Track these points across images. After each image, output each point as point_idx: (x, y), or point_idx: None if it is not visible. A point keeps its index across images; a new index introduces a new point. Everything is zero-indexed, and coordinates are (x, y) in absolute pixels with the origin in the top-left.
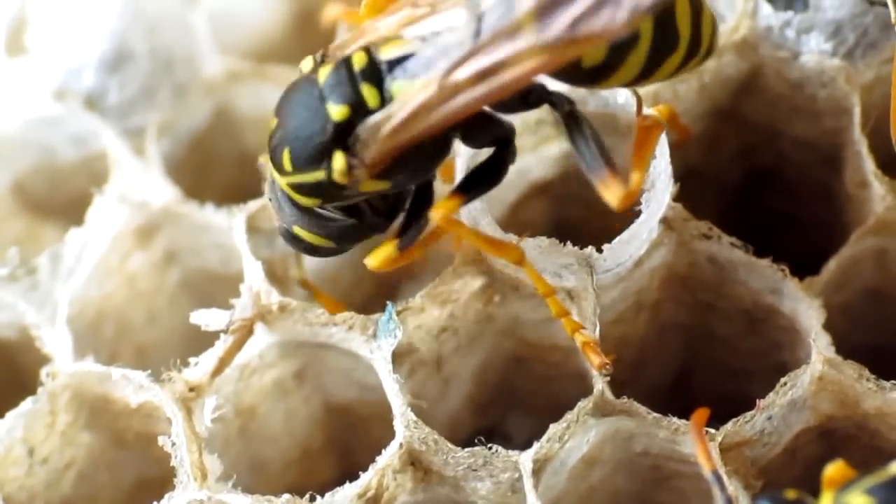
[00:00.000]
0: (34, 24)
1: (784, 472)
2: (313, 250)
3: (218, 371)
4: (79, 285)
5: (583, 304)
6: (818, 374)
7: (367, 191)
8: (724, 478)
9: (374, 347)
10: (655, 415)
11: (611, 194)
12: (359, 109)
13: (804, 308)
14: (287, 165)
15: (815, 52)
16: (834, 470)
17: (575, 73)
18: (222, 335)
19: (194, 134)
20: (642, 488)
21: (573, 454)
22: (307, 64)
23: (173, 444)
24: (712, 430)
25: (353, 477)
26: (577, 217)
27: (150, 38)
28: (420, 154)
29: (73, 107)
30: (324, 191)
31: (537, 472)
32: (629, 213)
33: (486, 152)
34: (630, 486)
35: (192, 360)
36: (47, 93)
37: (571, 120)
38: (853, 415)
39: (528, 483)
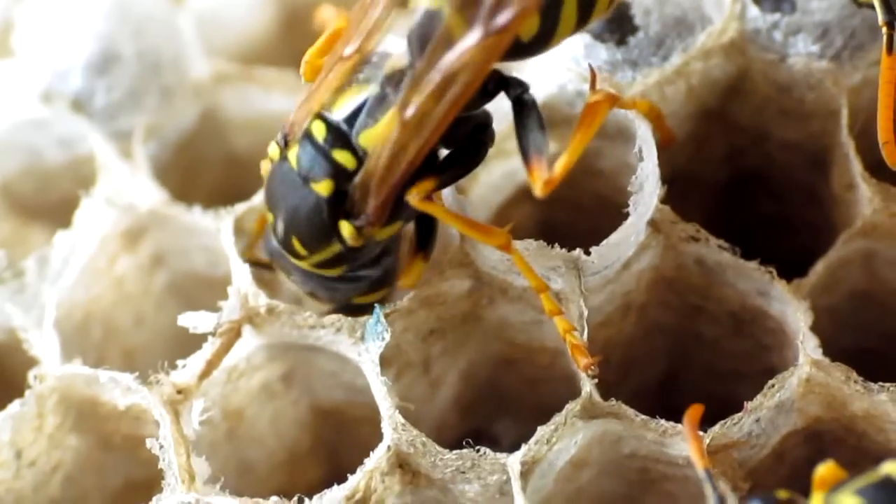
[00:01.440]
0: (21, 26)
1: (771, 474)
2: (372, 305)
3: (206, 374)
4: (66, 288)
5: (570, 306)
6: (806, 376)
7: (385, 237)
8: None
9: (361, 350)
10: (643, 417)
11: (533, 180)
12: (340, 176)
13: (792, 310)
14: (301, 251)
15: (802, 54)
16: (825, 470)
17: (521, 49)
18: (210, 338)
19: (181, 136)
20: (630, 491)
21: (561, 456)
22: (273, 151)
23: (161, 447)
24: (700, 433)
25: (341, 479)
26: (564, 219)
27: (137, 41)
28: (413, 182)
29: (59, 109)
30: (346, 258)
31: (525, 474)
32: (617, 216)
33: None
34: (618, 488)
35: (179, 362)
36: (34, 95)
37: (519, 103)
38: (841, 417)
39: (515, 485)
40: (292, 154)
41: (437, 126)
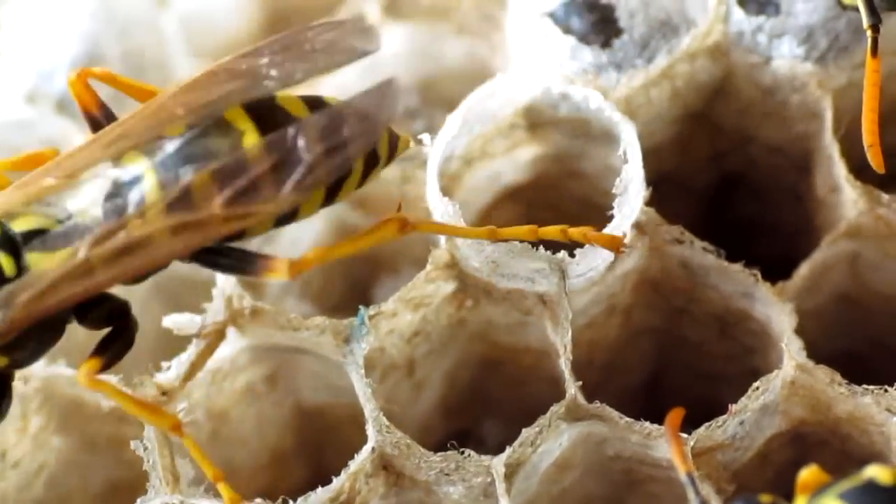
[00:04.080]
0: (5, 26)
1: (756, 476)
2: None
3: (190, 375)
4: None
5: (555, 308)
6: (790, 378)
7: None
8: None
9: (346, 352)
10: (628, 419)
11: (276, 269)
12: None
13: (776, 313)
14: None
15: (787, 56)
16: (808, 474)
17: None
18: (194, 339)
19: None
20: (614, 492)
21: (545, 458)
22: None
23: (145, 448)
24: (685, 435)
25: (325, 481)
26: (548, 222)
27: (122, 41)
28: (43, 332)
29: (44, 110)
30: None
31: (509, 476)
32: (602, 218)
33: None
34: (602, 490)
35: (163, 364)
36: (19, 96)
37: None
38: (825, 419)
39: (500, 487)
40: None
41: (111, 278)
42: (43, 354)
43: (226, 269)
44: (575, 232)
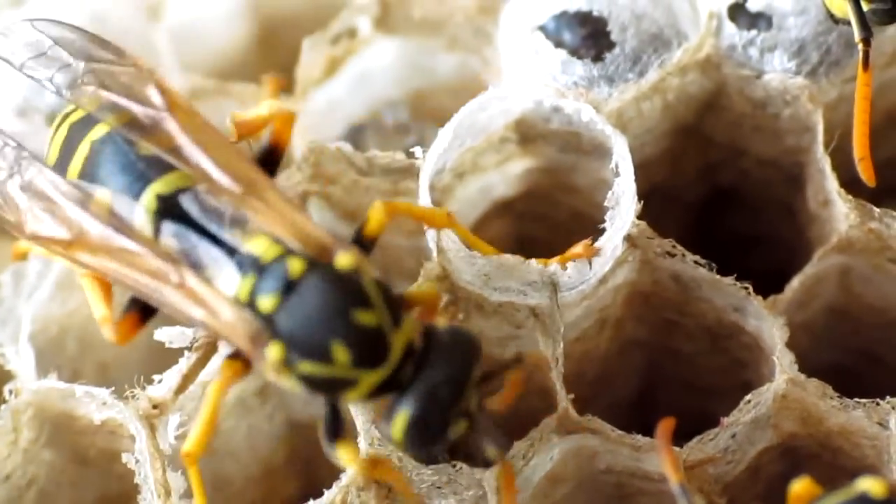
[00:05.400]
0: None
1: (747, 489)
2: None
3: (182, 388)
4: (42, 302)
5: (547, 321)
6: (781, 392)
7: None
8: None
9: None
10: (619, 432)
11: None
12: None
13: (768, 326)
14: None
15: (778, 70)
16: (800, 487)
17: None
18: (186, 352)
19: None
20: None
21: (537, 471)
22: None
23: (137, 462)
24: (677, 448)
25: (317, 494)
26: (540, 235)
27: None
28: None
29: (36, 123)
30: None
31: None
32: (594, 231)
33: None
34: (593, 503)
35: (155, 377)
36: (10, 109)
37: None
38: (816, 433)
39: (492, 500)
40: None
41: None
42: None
43: None
44: None
